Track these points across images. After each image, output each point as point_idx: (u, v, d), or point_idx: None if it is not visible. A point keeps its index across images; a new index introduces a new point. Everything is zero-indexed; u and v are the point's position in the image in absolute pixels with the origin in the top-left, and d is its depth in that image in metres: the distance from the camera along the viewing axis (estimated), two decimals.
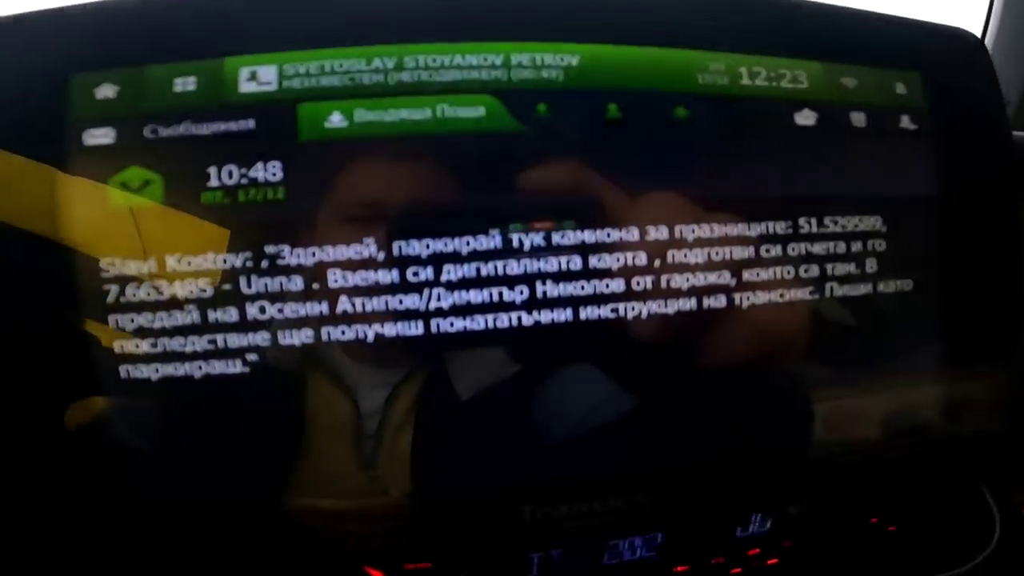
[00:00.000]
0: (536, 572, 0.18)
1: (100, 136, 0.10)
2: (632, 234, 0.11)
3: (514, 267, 0.11)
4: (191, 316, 0.10)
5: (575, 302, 0.11)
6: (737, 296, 0.12)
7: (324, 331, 0.11)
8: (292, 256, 0.11)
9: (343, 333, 0.11)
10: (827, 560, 0.20)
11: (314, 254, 0.11)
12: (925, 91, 0.15)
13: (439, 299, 0.11)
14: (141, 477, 0.11)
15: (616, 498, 0.14)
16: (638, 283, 0.12)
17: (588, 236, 0.11)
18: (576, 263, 0.11)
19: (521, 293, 0.11)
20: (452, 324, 0.11)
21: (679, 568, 0.19)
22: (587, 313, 0.11)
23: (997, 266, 0.14)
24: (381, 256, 0.11)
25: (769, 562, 0.20)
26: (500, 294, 0.11)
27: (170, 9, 0.12)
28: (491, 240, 0.11)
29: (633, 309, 0.12)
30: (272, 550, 0.13)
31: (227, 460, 0.12)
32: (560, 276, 0.11)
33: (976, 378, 0.15)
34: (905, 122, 0.14)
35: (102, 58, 0.11)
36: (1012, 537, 0.19)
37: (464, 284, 0.11)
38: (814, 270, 0.12)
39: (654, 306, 0.12)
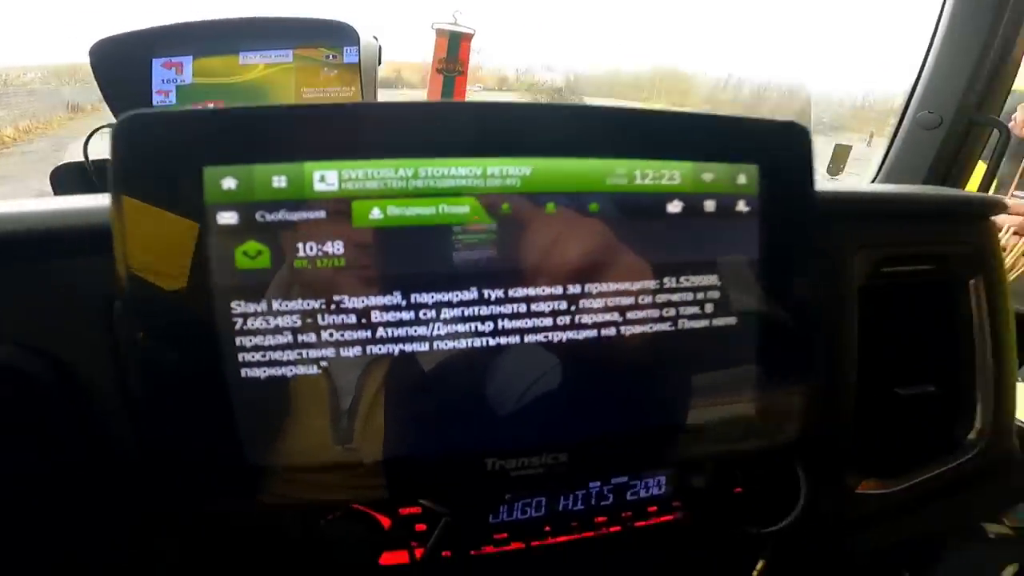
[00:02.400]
0: (502, 512, 0.27)
1: (228, 218, 0.17)
2: (559, 289, 0.20)
3: (484, 310, 0.19)
4: (287, 338, 0.18)
5: (522, 331, 0.20)
6: (623, 327, 0.21)
7: (368, 348, 0.19)
8: (349, 302, 0.18)
9: (379, 350, 0.19)
10: (702, 518, 0.30)
11: (363, 301, 0.18)
12: (760, 179, 0.23)
13: (439, 328, 0.19)
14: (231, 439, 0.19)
15: (547, 456, 0.22)
16: (561, 320, 0.20)
17: (530, 291, 0.20)
18: (522, 307, 0.20)
19: (489, 325, 0.19)
20: (447, 345, 0.19)
21: (599, 519, 0.29)
22: (529, 337, 0.20)
23: (797, 309, 0.24)
24: (404, 303, 0.19)
25: (664, 518, 0.30)
26: (476, 327, 0.19)
27: (267, 119, 0.18)
28: (471, 293, 0.19)
29: (558, 335, 0.20)
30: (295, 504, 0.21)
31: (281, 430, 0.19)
32: (512, 315, 0.20)
33: (783, 389, 0.24)
34: (741, 205, 0.23)
35: (225, 156, 0.18)
36: (814, 504, 0.30)
37: (454, 320, 0.19)
38: (671, 312, 0.21)
39: (570, 333, 0.20)
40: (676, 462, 0.27)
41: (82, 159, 0.50)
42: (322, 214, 0.18)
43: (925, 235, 0.34)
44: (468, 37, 0.79)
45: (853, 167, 1.69)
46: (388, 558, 0.26)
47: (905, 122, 1.44)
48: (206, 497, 0.20)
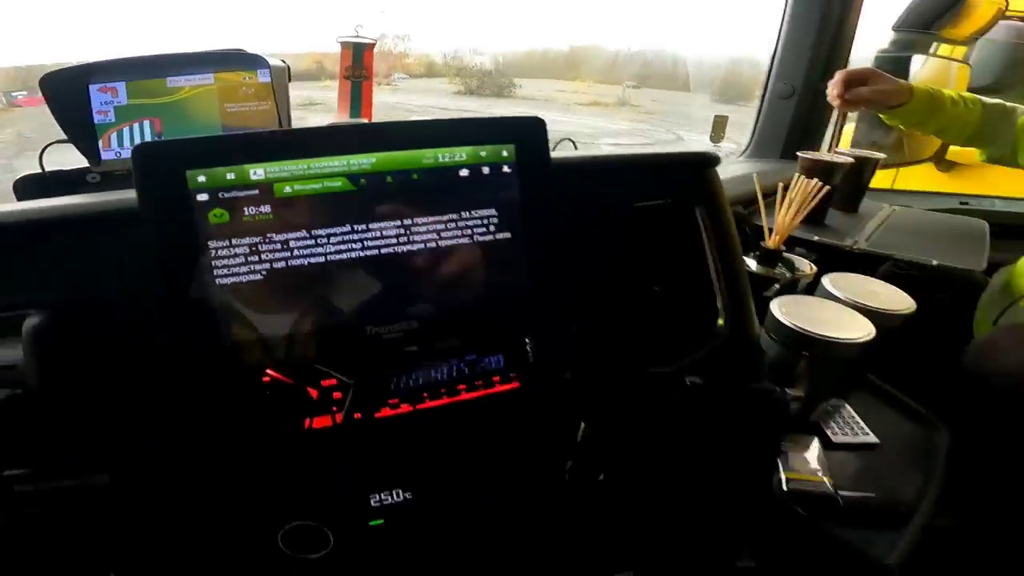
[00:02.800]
0: (393, 382, 0.42)
1: (202, 197, 0.33)
2: (398, 223, 0.36)
3: (355, 236, 0.36)
4: (241, 260, 0.33)
5: (378, 247, 0.37)
6: (439, 242, 0.38)
7: (288, 262, 0.34)
8: (276, 237, 0.34)
9: (295, 263, 0.35)
10: (531, 388, 0.46)
11: (283, 236, 0.34)
12: (516, 152, 0.40)
13: (329, 249, 0.35)
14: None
15: (405, 323, 0.38)
16: (402, 240, 0.37)
17: (382, 224, 0.36)
18: (377, 235, 0.36)
19: (359, 246, 0.36)
20: (335, 258, 0.35)
21: (460, 387, 0.45)
22: (384, 251, 0.36)
23: (542, 228, 0.41)
24: (307, 235, 0.34)
25: (506, 386, 0.46)
26: (350, 247, 0.36)
27: (220, 141, 0.33)
28: (345, 228, 0.35)
29: (401, 248, 0.37)
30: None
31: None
32: (371, 239, 0.36)
33: (537, 281, 0.42)
34: (506, 168, 0.40)
35: (197, 162, 0.33)
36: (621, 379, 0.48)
37: (337, 244, 0.35)
38: (468, 232, 0.38)
39: (408, 247, 0.37)
40: (475, 333, 0.43)
41: (39, 171, 0.62)
42: (256, 192, 0.34)
43: (667, 181, 0.53)
44: (370, 47, 0.93)
45: (732, 132, 1.92)
46: (317, 422, 0.41)
47: (767, 93, 1.70)
48: (197, 349, 0.35)
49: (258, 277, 0.34)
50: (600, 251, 0.49)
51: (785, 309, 0.62)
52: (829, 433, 0.66)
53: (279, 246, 0.34)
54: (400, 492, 0.41)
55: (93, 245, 0.36)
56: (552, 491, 0.44)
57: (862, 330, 0.61)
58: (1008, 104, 1.00)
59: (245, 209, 0.33)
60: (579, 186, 0.49)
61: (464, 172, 0.38)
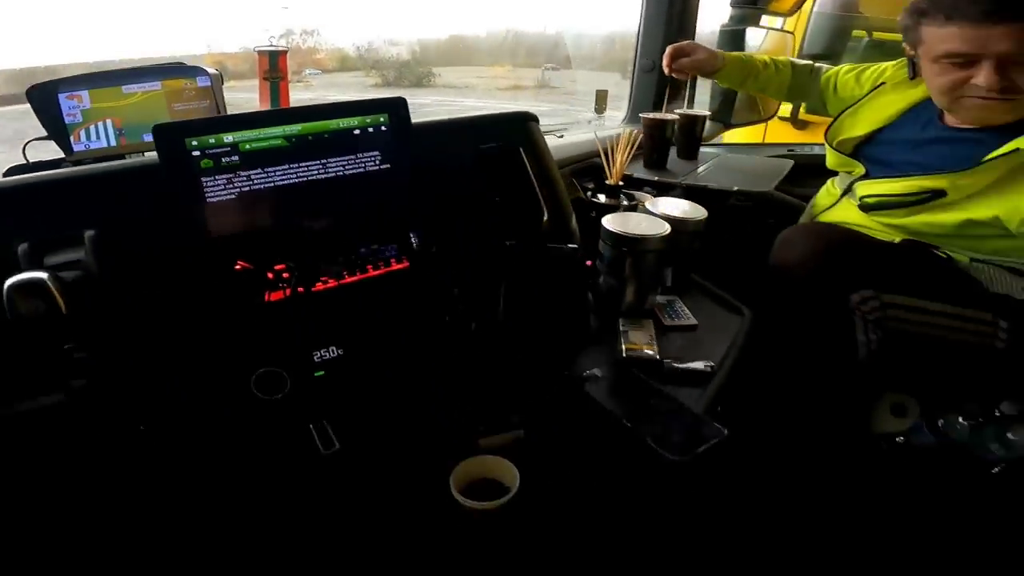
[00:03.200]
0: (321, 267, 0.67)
1: (196, 152, 0.55)
2: (314, 164, 0.61)
3: (290, 171, 0.60)
4: (222, 186, 0.56)
5: (305, 176, 0.61)
6: (342, 173, 0.62)
7: (251, 187, 0.58)
8: (243, 172, 0.57)
9: (256, 186, 0.58)
10: (416, 268, 0.71)
11: (247, 172, 0.57)
12: (389, 118, 0.66)
13: (276, 180, 0.59)
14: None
15: (323, 221, 0.63)
16: (319, 173, 0.61)
17: (306, 163, 0.60)
18: (303, 171, 0.60)
19: (292, 178, 0.60)
20: (278, 184, 0.59)
21: (368, 266, 0.68)
22: (307, 179, 0.61)
23: (404, 165, 0.66)
24: (262, 171, 0.58)
25: (400, 266, 0.71)
26: (287, 178, 0.60)
27: (203, 122, 0.56)
28: (285, 167, 0.59)
29: (317, 178, 0.61)
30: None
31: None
32: (297, 173, 0.60)
33: (400, 194, 0.67)
34: (383, 128, 0.66)
35: (188, 131, 0.55)
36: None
37: (279, 176, 0.59)
38: (361, 168, 0.63)
39: (322, 176, 0.62)
40: (374, 230, 0.68)
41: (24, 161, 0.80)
42: (229, 148, 0.57)
43: (500, 132, 0.79)
44: (284, 54, 1.14)
45: (613, 104, 2.20)
46: (273, 296, 0.63)
47: (636, 68, 2.03)
48: (194, 245, 0.57)
49: (232, 197, 0.57)
50: (459, 178, 0.75)
51: (611, 222, 0.90)
52: (662, 318, 0.95)
53: (244, 178, 0.58)
54: (334, 349, 0.65)
55: (111, 190, 0.58)
56: (437, 338, 0.69)
57: (662, 229, 0.90)
58: (816, 64, 1.28)
59: (222, 159, 0.56)
60: (444, 139, 0.74)
61: (357, 131, 0.63)
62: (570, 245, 0.73)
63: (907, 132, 1.02)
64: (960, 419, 1.02)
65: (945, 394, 1.04)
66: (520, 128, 0.81)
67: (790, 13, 2.14)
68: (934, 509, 0.94)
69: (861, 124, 1.08)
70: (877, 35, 3.21)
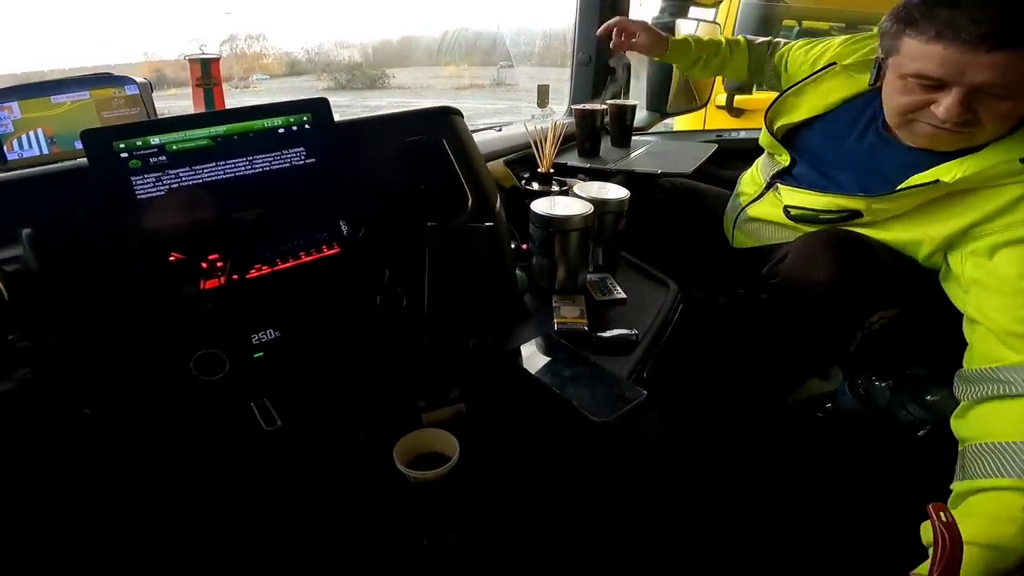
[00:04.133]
0: (254, 254, 0.72)
1: (123, 154, 0.60)
2: (241, 162, 0.66)
3: (217, 168, 0.66)
4: (152, 184, 0.61)
5: (232, 174, 0.66)
6: (267, 168, 0.68)
7: (180, 183, 0.63)
8: (172, 171, 0.62)
9: (185, 182, 0.63)
10: (346, 254, 0.77)
11: (176, 171, 0.63)
12: (312, 118, 0.72)
13: (203, 176, 0.64)
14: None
15: (252, 212, 0.69)
16: (242, 168, 0.67)
17: (229, 162, 0.66)
18: (228, 169, 0.66)
19: (219, 174, 0.65)
20: (207, 180, 0.65)
21: (301, 253, 0.74)
22: (233, 175, 0.66)
23: (333, 159, 0.73)
24: (190, 169, 0.64)
25: (331, 251, 0.76)
26: (213, 174, 0.65)
27: (133, 126, 0.61)
28: (211, 165, 0.65)
29: (241, 173, 0.67)
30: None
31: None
32: (224, 170, 0.66)
33: (328, 184, 0.74)
34: (307, 126, 0.72)
35: (120, 135, 0.60)
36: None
37: (207, 173, 0.64)
38: (286, 163, 0.69)
39: (247, 172, 0.67)
40: (305, 219, 0.74)
41: None
42: (156, 149, 0.62)
43: (426, 126, 0.86)
44: (216, 61, 1.16)
45: (554, 97, 2.29)
46: (208, 284, 0.68)
47: (573, 62, 2.12)
48: (127, 242, 0.62)
49: (161, 194, 0.62)
50: (388, 170, 0.81)
51: (539, 205, 0.98)
52: (593, 294, 1.04)
53: (173, 176, 0.63)
54: (272, 331, 0.71)
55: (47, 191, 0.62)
56: (370, 318, 0.76)
57: (584, 210, 0.98)
58: (774, 39, 1.25)
59: (150, 159, 0.61)
60: (371, 134, 0.80)
61: (281, 130, 0.69)
62: (486, 224, 0.80)
63: (843, 128, 0.96)
64: (876, 381, 1.13)
65: (863, 359, 1.15)
66: (443, 122, 0.87)
67: (715, 4, 2.26)
68: (858, 471, 1.01)
69: (802, 108, 1.02)
70: (807, 24, 3.42)
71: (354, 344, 0.74)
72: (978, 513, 0.62)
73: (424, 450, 0.63)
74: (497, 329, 0.88)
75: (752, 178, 1.20)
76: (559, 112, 2.16)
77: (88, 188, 0.60)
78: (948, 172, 0.78)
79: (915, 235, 0.86)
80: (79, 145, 0.86)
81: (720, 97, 2.87)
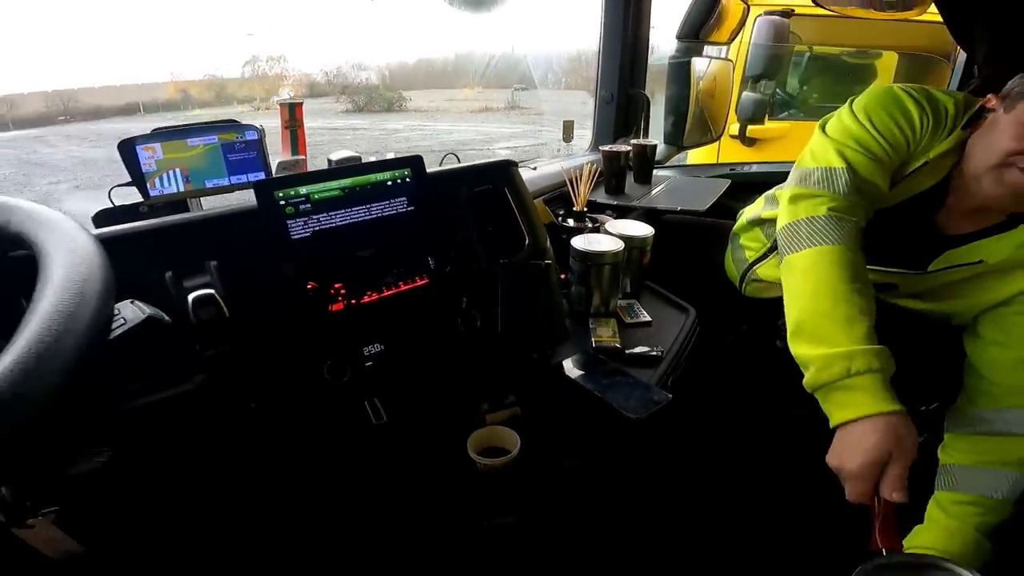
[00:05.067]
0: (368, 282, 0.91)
1: (283, 201, 0.79)
2: (363, 208, 0.85)
3: (347, 213, 0.85)
4: (303, 224, 0.80)
5: (357, 218, 0.85)
6: (381, 215, 0.87)
7: (322, 226, 0.82)
8: (314, 216, 0.81)
9: (326, 225, 0.82)
10: (434, 284, 0.96)
11: (316, 217, 0.82)
12: (411, 173, 0.91)
13: (337, 221, 0.83)
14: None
15: (370, 250, 0.87)
16: (365, 214, 0.86)
17: (355, 208, 0.85)
18: (353, 215, 0.85)
19: (347, 218, 0.85)
20: (341, 223, 0.84)
21: (400, 282, 0.93)
22: (358, 220, 0.86)
23: (430, 207, 0.92)
24: (327, 215, 0.83)
25: (422, 282, 0.95)
26: (346, 219, 0.84)
27: (288, 179, 0.80)
28: (344, 210, 0.84)
29: (367, 219, 0.86)
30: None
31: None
32: (352, 215, 0.85)
33: (429, 233, 0.93)
34: (407, 180, 0.91)
35: (277, 185, 0.79)
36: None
37: (340, 217, 0.83)
38: (393, 210, 0.88)
39: (367, 217, 0.86)
40: (404, 256, 0.92)
41: (110, 205, 1.02)
42: (303, 197, 0.81)
43: (486, 177, 1.05)
44: (300, 105, 1.37)
45: (579, 132, 2.47)
46: (334, 307, 0.87)
47: (597, 99, 2.32)
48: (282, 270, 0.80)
49: (308, 234, 0.81)
50: (460, 214, 1.00)
51: (578, 241, 1.17)
52: (623, 318, 1.22)
53: (315, 220, 0.81)
54: (378, 345, 0.89)
55: (226, 228, 0.81)
56: (452, 335, 0.94)
57: (616, 246, 1.16)
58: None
59: (300, 206, 0.80)
60: (446, 184, 0.99)
61: (389, 183, 0.88)
62: (545, 262, 0.99)
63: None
64: None
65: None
66: (504, 173, 1.07)
67: (728, 43, 2.42)
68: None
69: None
70: (817, 50, 3.66)
71: (439, 356, 0.92)
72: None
73: (491, 444, 0.79)
74: (547, 346, 1.06)
75: (755, 236, 1.26)
76: (583, 137, 2.34)
77: (255, 227, 0.78)
78: (991, 252, 0.83)
79: (946, 308, 0.92)
80: (208, 184, 1.08)
81: (734, 127, 3.06)
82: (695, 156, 3.13)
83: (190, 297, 0.64)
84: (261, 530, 0.68)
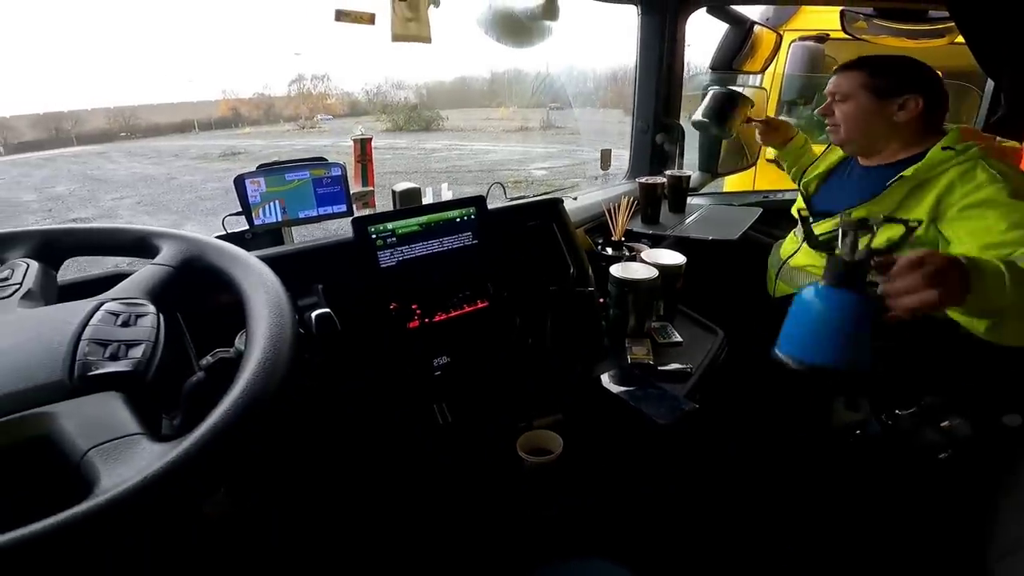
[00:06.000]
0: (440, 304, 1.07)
1: (374, 236, 0.96)
2: (442, 240, 1.02)
3: (430, 244, 1.01)
4: (391, 253, 0.97)
5: (438, 250, 1.02)
6: (452, 246, 1.04)
7: (405, 256, 0.99)
8: (399, 247, 0.98)
9: (411, 255, 0.99)
10: (496, 306, 1.12)
11: (401, 247, 0.98)
12: (476, 211, 1.08)
13: (420, 251, 1.00)
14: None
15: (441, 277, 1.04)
16: (442, 246, 1.03)
17: (437, 241, 1.02)
18: (433, 246, 1.01)
19: (431, 248, 1.01)
20: (424, 253, 1.00)
21: (467, 303, 1.09)
22: (436, 251, 1.02)
23: (494, 240, 1.08)
24: (410, 247, 0.99)
25: (483, 304, 1.11)
26: (429, 249, 1.01)
27: (380, 215, 0.97)
28: (426, 241, 1.01)
29: (444, 250, 1.03)
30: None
31: None
32: (431, 246, 1.01)
33: (491, 265, 1.09)
34: (472, 217, 1.07)
35: (370, 221, 0.96)
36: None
37: (422, 248, 1.00)
38: (462, 243, 1.04)
39: (441, 249, 1.03)
40: (467, 281, 1.09)
41: (223, 231, 1.21)
42: (391, 232, 0.98)
43: (537, 213, 1.20)
44: (369, 140, 1.56)
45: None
46: (411, 325, 1.03)
47: (633, 130, 2.46)
48: (374, 296, 0.97)
49: (393, 263, 0.98)
50: (515, 246, 1.16)
51: (616, 269, 1.31)
52: (656, 338, 1.34)
53: (399, 251, 0.98)
54: (445, 357, 1.05)
55: (328, 256, 0.98)
56: (506, 350, 1.09)
57: (651, 274, 1.30)
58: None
59: (387, 239, 0.97)
60: (503, 218, 1.16)
61: (458, 220, 1.04)
62: (589, 289, 1.13)
63: (836, 178, 1.44)
64: (897, 411, 1.37)
65: (887, 390, 1.40)
66: (553, 209, 1.22)
67: (761, 72, 2.52)
68: (885, 491, 1.27)
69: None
70: None
71: (496, 368, 1.07)
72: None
73: (537, 445, 0.91)
74: (589, 362, 1.20)
75: (792, 238, 1.54)
76: (621, 158, 2.46)
77: (349, 256, 0.96)
78: (908, 171, 1.18)
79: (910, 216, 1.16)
80: (301, 214, 1.27)
81: (771, 152, 3.14)
82: (731, 182, 3.20)
83: (314, 315, 0.81)
84: (341, 505, 0.83)
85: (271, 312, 0.52)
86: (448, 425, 0.96)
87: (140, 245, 0.62)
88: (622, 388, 1.08)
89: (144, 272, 0.58)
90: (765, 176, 3.26)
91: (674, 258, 1.41)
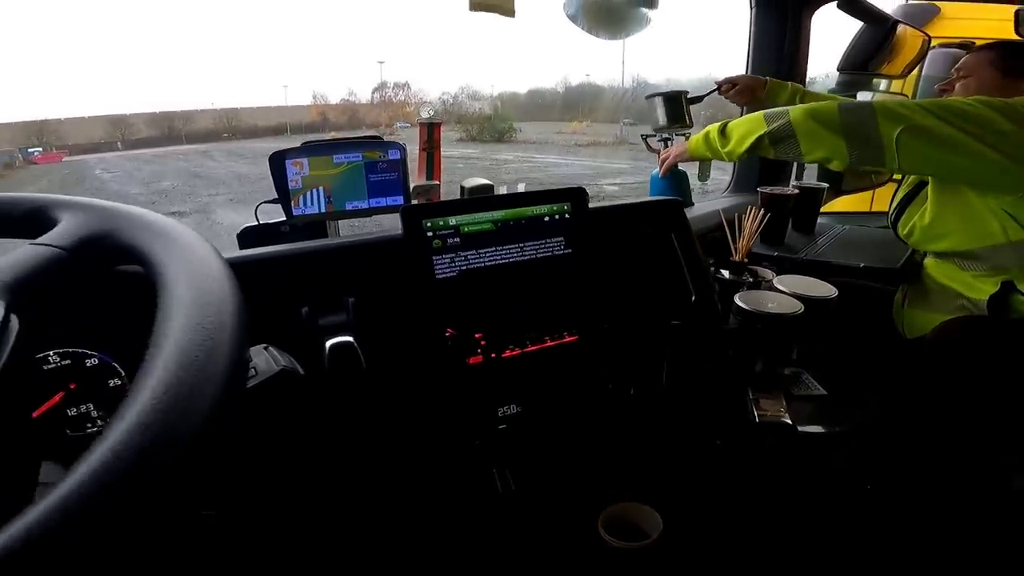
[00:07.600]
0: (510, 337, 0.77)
1: (429, 232, 0.67)
2: (518, 246, 0.72)
3: (498, 253, 0.71)
4: (449, 263, 0.68)
5: (507, 259, 0.72)
6: (535, 256, 0.73)
7: (469, 266, 0.69)
8: (462, 253, 0.69)
9: (474, 265, 0.70)
10: (584, 340, 0.81)
11: (465, 253, 0.69)
12: (571, 207, 0.77)
13: (486, 261, 0.70)
14: None
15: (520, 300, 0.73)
16: (519, 255, 0.72)
17: (509, 246, 0.71)
18: (507, 253, 0.71)
19: (498, 258, 0.71)
20: (491, 263, 0.70)
21: (546, 338, 0.79)
22: (508, 261, 0.72)
23: (588, 248, 0.76)
24: (475, 252, 0.70)
25: (570, 339, 0.80)
26: (495, 258, 0.71)
27: (438, 205, 0.69)
28: (494, 248, 0.70)
29: (519, 260, 0.72)
30: None
31: None
32: (501, 256, 0.71)
33: (579, 278, 0.77)
34: (566, 215, 0.76)
35: (425, 213, 0.68)
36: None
37: (490, 256, 0.70)
38: (549, 252, 0.73)
39: (521, 258, 0.72)
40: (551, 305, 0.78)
41: (255, 223, 0.97)
42: (453, 230, 0.69)
43: (653, 216, 0.87)
44: (439, 126, 1.30)
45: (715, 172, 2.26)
46: (472, 360, 0.73)
47: None
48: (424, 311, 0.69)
49: (454, 273, 0.68)
50: (621, 261, 0.83)
51: (742, 299, 0.96)
52: (791, 390, 0.98)
53: (463, 258, 0.69)
54: (514, 406, 0.74)
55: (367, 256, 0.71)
56: (600, 401, 0.77)
57: (793, 308, 0.94)
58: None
59: (448, 239, 0.68)
60: (607, 224, 0.84)
61: (546, 219, 0.74)
62: (726, 327, 0.79)
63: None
64: None
65: None
66: (672, 212, 0.89)
67: (902, 76, 2.12)
68: None
69: None
70: None
71: (584, 425, 0.75)
72: None
73: (627, 521, 0.64)
74: (713, 423, 0.86)
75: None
76: (720, 179, 2.10)
77: (396, 259, 0.68)
78: None
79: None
80: (348, 206, 1.01)
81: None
82: (842, 203, 2.76)
83: (328, 344, 0.53)
84: None
85: (194, 305, 0.25)
86: (510, 494, 0.69)
87: (34, 219, 0.36)
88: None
89: (15, 255, 0.32)
90: (883, 197, 2.78)
91: (821, 288, 1.05)
